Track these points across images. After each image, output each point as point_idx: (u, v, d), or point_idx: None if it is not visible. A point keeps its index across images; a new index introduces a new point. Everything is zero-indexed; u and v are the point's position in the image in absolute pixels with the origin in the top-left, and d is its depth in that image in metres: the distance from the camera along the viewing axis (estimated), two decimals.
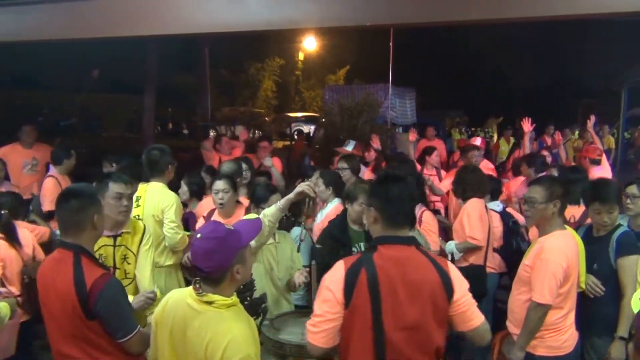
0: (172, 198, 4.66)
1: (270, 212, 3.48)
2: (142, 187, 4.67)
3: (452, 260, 4.65)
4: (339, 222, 4.23)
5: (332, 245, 4.07)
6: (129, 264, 3.68)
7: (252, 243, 3.57)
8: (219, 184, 4.49)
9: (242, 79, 20.00)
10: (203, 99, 12.90)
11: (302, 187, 3.49)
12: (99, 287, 2.61)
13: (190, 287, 2.42)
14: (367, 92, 11.08)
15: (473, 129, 18.71)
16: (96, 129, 16.86)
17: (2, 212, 4.29)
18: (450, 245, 4.87)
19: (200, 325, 2.30)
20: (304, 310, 3.36)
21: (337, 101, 11.02)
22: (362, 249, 4.11)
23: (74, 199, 2.79)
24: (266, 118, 16.62)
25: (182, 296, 2.43)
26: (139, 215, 4.53)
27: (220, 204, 4.48)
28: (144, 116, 10.89)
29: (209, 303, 2.32)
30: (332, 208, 4.90)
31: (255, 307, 3.41)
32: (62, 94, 14.19)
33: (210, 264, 2.29)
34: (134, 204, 4.50)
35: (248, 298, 3.43)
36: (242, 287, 3.46)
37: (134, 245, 3.70)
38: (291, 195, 3.49)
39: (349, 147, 6.74)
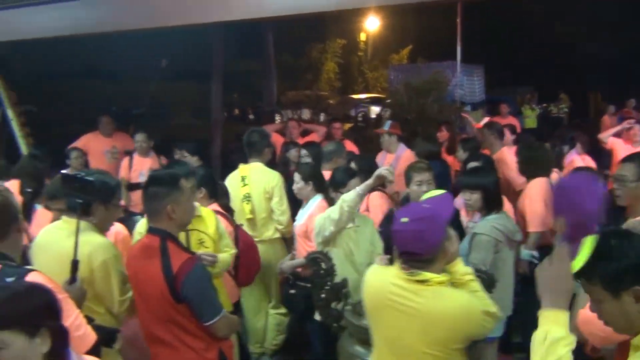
0: (276, 176, 4.90)
1: (349, 198, 3.46)
2: (244, 167, 4.91)
3: (534, 264, 4.26)
4: None
5: None
6: (206, 247, 3.66)
7: (331, 228, 3.58)
8: None
9: (305, 62, 19.98)
10: (269, 84, 12.94)
11: (380, 171, 3.48)
12: (185, 271, 2.66)
13: (393, 268, 2.44)
14: (434, 71, 10.80)
15: (545, 105, 17.91)
16: (165, 117, 17.33)
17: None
18: (523, 253, 4.44)
19: (419, 306, 2.29)
20: None
21: (403, 81, 10.81)
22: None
23: (152, 186, 2.85)
24: (330, 101, 16.53)
25: (385, 278, 2.44)
26: (248, 194, 4.76)
27: None
28: (211, 103, 11.07)
29: (422, 282, 2.31)
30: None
31: (336, 292, 3.41)
32: (132, 84, 14.66)
33: (424, 245, 2.30)
34: (241, 184, 4.81)
35: (329, 283, 3.43)
36: (322, 272, 3.47)
37: (210, 228, 3.69)
38: (370, 181, 3.49)
39: (386, 127, 6.66)
